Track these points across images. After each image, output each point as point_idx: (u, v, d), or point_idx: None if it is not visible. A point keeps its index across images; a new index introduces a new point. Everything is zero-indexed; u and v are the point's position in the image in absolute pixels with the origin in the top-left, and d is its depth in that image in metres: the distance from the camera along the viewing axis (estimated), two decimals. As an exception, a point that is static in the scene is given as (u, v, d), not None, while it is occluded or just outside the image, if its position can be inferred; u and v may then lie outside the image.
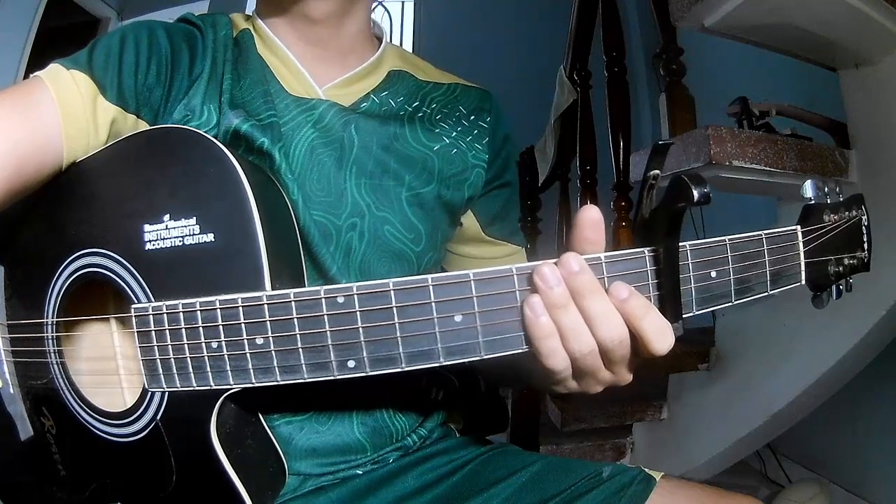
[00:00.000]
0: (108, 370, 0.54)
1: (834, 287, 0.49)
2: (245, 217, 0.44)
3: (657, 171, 0.40)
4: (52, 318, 0.52)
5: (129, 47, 0.54)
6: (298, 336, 0.41)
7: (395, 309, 0.40)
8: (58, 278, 0.51)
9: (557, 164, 2.00)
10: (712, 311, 1.64)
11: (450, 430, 0.71)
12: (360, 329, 0.40)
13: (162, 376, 0.45)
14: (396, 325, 0.40)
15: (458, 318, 0.39)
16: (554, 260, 0.39)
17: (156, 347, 0.45)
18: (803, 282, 0.47)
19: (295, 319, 0.41)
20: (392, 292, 0.40)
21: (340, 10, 0.60)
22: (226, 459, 0.45)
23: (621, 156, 1.57)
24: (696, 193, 0.36)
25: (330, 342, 0.41)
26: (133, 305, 0.46)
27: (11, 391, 0.55)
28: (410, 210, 0.60)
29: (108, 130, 0.53)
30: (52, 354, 0.52)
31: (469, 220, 0.67)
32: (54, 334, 0.51)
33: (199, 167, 0.46)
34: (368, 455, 0.61)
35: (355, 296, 0.40)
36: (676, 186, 0.37)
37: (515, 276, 0.40)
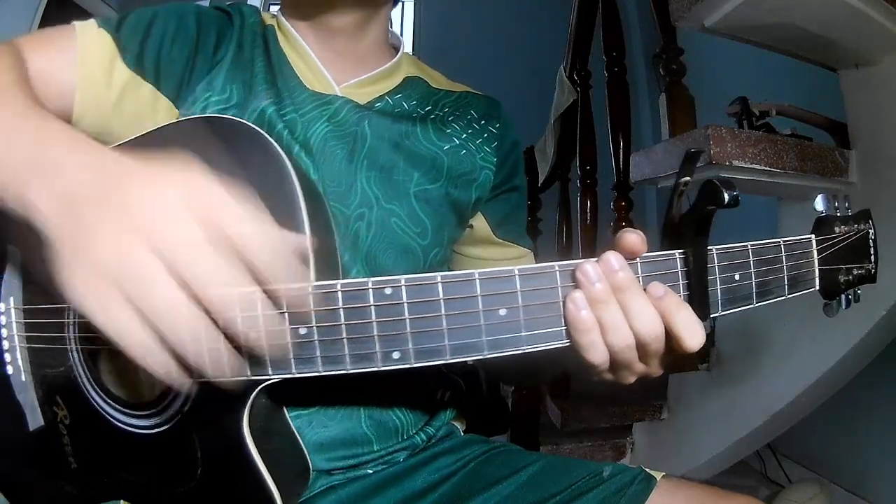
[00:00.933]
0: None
1: (843, 296, 0.52)
2: (293, 211, 0.44)
3: (688, 178, 0.42)
4: None
5: (159, 23, 0.58)
6: (344, 326, 0.41)
7: (441, 301, 0.40)
8: None
9: (557, 164, 2.00)
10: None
11: (454, 429, 0.71)
12: (407, 320, 0.41)
13: None
14: (443, 317, 0.40)
15: (502, 311, 0.41)
16: (596, 259, 0.41)
17: None
18: (817, 287, 0.50)
19: (341, 310, 0.41)
20: (440, 285, 0.40)
21: (361, 22, 0.63)
22: (257, 454, 0.44)
23: (621, 156, 1.57)
24: (726, 196, 0.39)
25: (376, 333, 0.41)
26: None
27: (23, 379, 0.54)
28: (418, 205, 0.62)
29: (120, 91, 0.55)
30: (73, 341, 0.51)
31: (479, 223, 0.69)
32: (77, 320, 0.51)
33: (248, 158, 0.46)
34: (375, 450, 0.61)
35: (403, 287, 0.40)
36: (707, 190, 0.40)
37: (558, 273, 0.41)
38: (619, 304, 0.41)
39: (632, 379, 0.46)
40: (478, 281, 0.40)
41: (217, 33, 0.60)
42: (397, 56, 0.68)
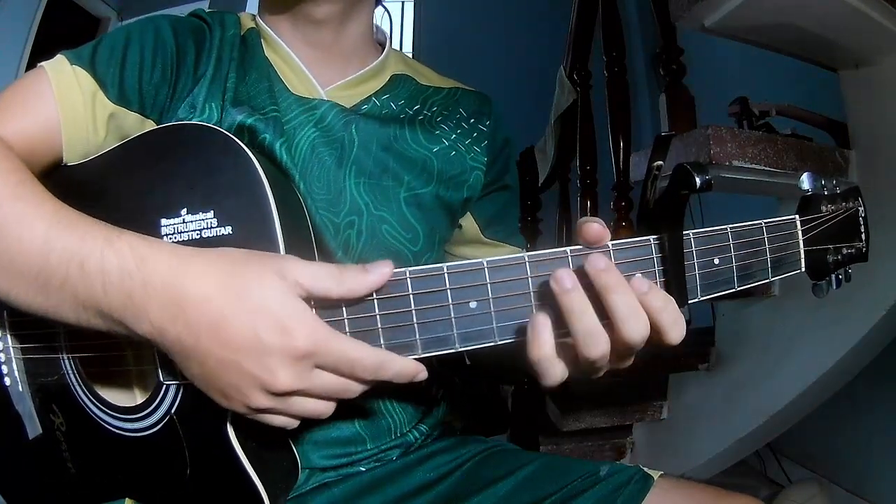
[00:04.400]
0: (120, 364, 0.53)
1: (833, 276, 0.50)
2: (262, 210, 0.44)
3: (660, 162, 0.42)
4: None
5: (134, 46, 0.55)
6: None
7: (412, 296, 0.41)
8: None
9: (557, 164, 1.99)
10: (713, 311, 1.62)
11: (451, 429, 0.71)
12: (378, 316, 0.41)
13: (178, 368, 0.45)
14: (413, 312, 0.41)
15: (472, 304, 0.41)
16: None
17: None
18: (803, 269, 0.49)
19: (312, 309, 0.41)
20: (408, 280, 0.41)
21: (342, 13, 0.61)
22: (242, 453, 0.45)
23: (621, 156, 1.57)
24: (698, 180, 0.38)
25: (347, 330, 0.41)
26: None
27: (20, 389, 0.54)
28: (408, 210, 0.61)
29: (107, 127, 0.54)
30: (64, 350, 0.52)
31: (468, 222, 0.68)
32: (66, 329, 0.51)
33: (215, 161, 0.46)
34: (368, 448, 0.61)
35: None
36: (679, 174, 0.39)
37: (528, 264, 0.41)
38: (608, 306, 0.39)
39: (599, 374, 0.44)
40: (446, 275, 0.41)
41: (196, 47, 0.58)
42: (384, 53, 0.66)
